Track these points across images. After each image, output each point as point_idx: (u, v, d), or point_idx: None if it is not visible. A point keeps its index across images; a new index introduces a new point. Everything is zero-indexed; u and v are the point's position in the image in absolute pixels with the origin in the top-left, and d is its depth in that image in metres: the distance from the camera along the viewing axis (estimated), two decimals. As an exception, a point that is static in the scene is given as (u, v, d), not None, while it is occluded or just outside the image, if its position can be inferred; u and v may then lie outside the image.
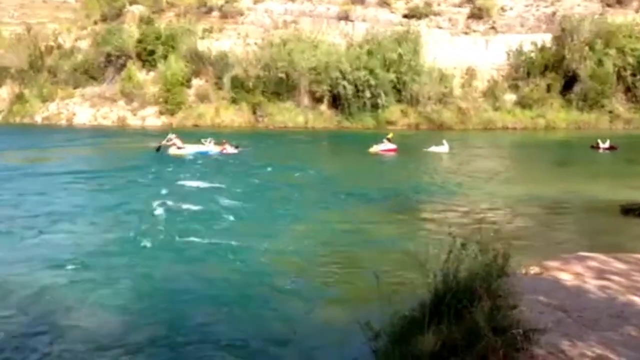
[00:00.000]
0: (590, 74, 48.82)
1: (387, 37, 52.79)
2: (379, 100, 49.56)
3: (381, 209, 16.48)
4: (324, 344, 7.44)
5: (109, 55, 57.06)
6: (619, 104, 49.33)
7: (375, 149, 30.63)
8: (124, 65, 56.74)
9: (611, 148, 31.32)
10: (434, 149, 30.81)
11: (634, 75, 49.20)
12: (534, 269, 7.03)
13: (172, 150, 30.38)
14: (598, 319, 5.20)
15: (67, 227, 14.24)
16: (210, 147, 31.03)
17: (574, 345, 4.62)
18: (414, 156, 29.55)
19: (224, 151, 30.48)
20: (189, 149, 30.81)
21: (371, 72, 49.18)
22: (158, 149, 30.67)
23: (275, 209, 16.36)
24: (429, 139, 33.99)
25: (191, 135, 35.09)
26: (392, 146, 30.81)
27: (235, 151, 30.57)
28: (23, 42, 61.40)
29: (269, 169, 25.23)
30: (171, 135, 31.53)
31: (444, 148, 30.68)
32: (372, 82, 48.93)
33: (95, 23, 63.38)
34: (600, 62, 48.91)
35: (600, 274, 6.55)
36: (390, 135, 31.89)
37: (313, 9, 59.85)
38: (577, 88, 49.63)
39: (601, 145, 31.69)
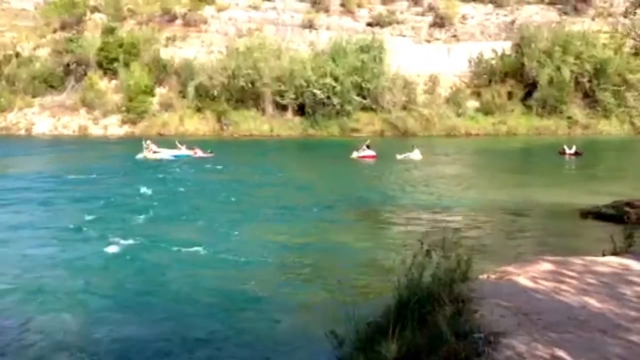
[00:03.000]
0: (549, 81, 49.94)
1: (351, 45, 53.11)
2: (344, 108, 49.80)
3: (349, 215, 16.54)
4: (289, 352, 7.41)
5: (69, 63, 56.10)
6: (577, 110, 50.51)
7: (355, 155, 31.69)
8: (84, 74, 55.80)
9: (576, 154, 31.96)
10: (407, 155, 31.43)
11: (591, 81, 50.46)
12: (496, 274, 7.14)
13: (149, 154, 32.31)
14: (557, 322, 5.30)
15: (28, 236, 13.95)
16: (183, 150, 33.25)
17: (534, 348, 4.70)
18: (387, 162, 29.97)
19: (196, 154, 32.63)
20: (164, 153, 32.93)
21: (336, 79, 49.37)
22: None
23: (244, 216, 16.26)
24: (398, 146, 34.48)
25: (159, 143, 35.92)
26: (372, 152, 31.90)
27: (205, 155, 32.49)
28: (-20, 50, 59.95)
29: (240, 176, 25.48)
30: (148, 142, 33.68)
31: (416, 155, 31.34)
32: (337, 89, 49.13)
33: (55, 31, 62.14)
34: (558, 69, 50.04)
35: (559, 277, 6.69)
36: (368, 142, 33.15)
37: (277, 17, 59.91)
38: (536, 94, 50.70)
39: (567, 150, 32.36)
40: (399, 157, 31.35)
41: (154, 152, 32.71)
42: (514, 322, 5.27)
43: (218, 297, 9.48)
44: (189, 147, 33.60)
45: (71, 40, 56.55)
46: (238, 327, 8.24)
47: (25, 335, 8.16)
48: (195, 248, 12.36)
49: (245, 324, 8.36)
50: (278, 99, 51.39)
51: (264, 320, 8.45)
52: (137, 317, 8.76)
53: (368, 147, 32.22)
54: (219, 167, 28.40)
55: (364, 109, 51.15)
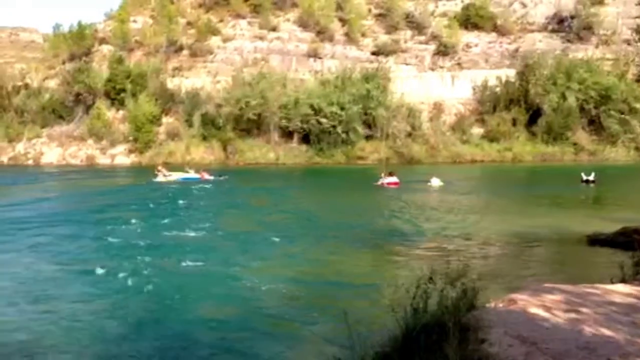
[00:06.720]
0: (554, 108, 50.04)
1: (356, 73, 53.61)
2: (349, 136, 50.04)
3: (361, 244, 16.42)
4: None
5: (77, 94, 56.80)
6: (583, 136, 50.48)
7: (380, 182, 32.52)
8: (92, 104, 56.48)
9: (587, 181, 31.73)
10: (432, 182, 32.16)
11: (596, 108, 50.47)
12: (503, 302, 7.07)
13: (160, 178, 35.76)
14: (566, 351, 5.23)
15: (49, 259, 14.09)
16: (192, 174, 36.68)
17: (542, 378, 4.64)
18: (407, 190, 30.21)
19: (203, 178, 35.92)
20: (175, 176, 36.41)
21: (341, 108, 49.70)
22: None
23: (249, 244, 16.23)
24: (410, 173, 34.73)
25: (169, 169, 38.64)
26: (395, 180, 32.55)
27: (212, 178, 35.94)
28: (-11, 82, 60.82)
29: (253, 203, 26.08)
30: (159, 167, 38.19)
31: (435, 182, 32.04)
32: (342, 117, 49.44)
33: (64, 62, 63.13)
34: (563, 96, 50.16)
35: (567, 305, 6.62)
36: (390, 170, 34.16)
37: (283, 46, 60.64)
38: (541, 121, 50.79)
39: (584, 177, 32.25)
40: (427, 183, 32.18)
41: (165, 175, 36.55)
42: (522, 351, 5.20)
43: (223, 323, 9.46)
44: (197, 171, 37.61)
45: (80, 71, 57.30)
46: (243, 355, 8.18)
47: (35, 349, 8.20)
48: (203, 273, 12.36)
49: (250, 352, 8.30)
50: (284, 127, 51.74)
51: (269, 349, 8.39)
52: (140, 336, 8.79)
53: (391, 174, 32.88)
54: (230, 194, 29.14)
55: (369, 136, 51.39)
